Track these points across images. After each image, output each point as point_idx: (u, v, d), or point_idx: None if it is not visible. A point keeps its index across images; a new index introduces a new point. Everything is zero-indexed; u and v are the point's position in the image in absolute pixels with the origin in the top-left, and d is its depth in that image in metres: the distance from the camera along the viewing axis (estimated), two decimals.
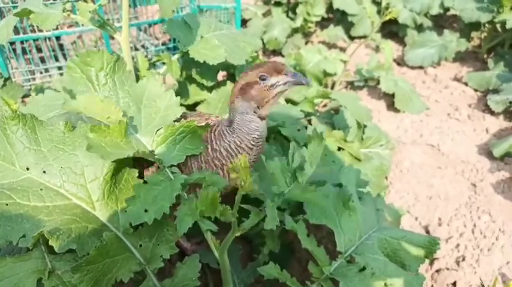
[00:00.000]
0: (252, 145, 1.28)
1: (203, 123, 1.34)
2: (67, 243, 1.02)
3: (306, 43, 4.28)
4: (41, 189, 1.12)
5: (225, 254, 1.32)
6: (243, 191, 1.00)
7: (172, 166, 1.25)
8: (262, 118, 1.28)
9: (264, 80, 1.21)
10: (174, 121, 1.36)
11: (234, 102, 1.27)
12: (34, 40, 2.66)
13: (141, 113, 1.36)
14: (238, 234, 1.21)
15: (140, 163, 1.35)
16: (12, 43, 2.75)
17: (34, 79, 2.80)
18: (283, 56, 4.03)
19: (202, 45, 2.04)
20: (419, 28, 4.06)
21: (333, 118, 2.64)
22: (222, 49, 1.99)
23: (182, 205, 1.17)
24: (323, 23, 4.47)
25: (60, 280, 1.05)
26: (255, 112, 1.26)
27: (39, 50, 2.90)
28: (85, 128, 1.21)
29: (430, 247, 1.54)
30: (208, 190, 1.03)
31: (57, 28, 2.60)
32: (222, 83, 2.38)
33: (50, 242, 1.00)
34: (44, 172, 1.16)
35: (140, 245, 1.21)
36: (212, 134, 1.31)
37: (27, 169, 1.15)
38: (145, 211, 1.11)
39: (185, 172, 1.31)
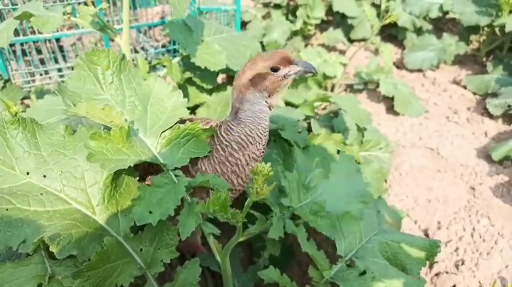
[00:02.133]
0: (261, 133, 1.29)
1: (207, 127, 1.34)
2: (67, 249, 1.01)
3: (306, 46, 4.28)
4: (41, 194, 1.12)
5: (227, 258, 1.32)
6: (256, 197, 1.00)
7: (176, 169, 1.24)
8: (270, 107, 1.29)
9: (276, 71, 1.22)
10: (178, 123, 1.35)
11: (246, 93, 1.26)
12: (34, 42, 2.65)
13: (147, 112, 1.35)
14: (242, 239, 1.21)
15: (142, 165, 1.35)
16: (12, 45, 2.74)
17: (34, 81, 2.79)
18: None
19: (203, 49, 2.04)
20: (419, 31, 4.06)
21: (333, 121, 2.64)
22: (223, 55, 1.99)
23: (185, 208, 1.17)
24: (323, 26, 4.47)
25: (61, 286, 1.05)
26: (266, 102, 1.27)
27: (39, 52, 2.89)
28: (85, 133, 1.20)
29: (431, 250, 1.54)
30: (220, 192, 1.04)
31: (57, 30, 2.60)
32: (222, 86, 2.38)
33: (51, 248, 1.00)
34: (44, 176, 1.15)
35: (141, 250, 1.20)
36: (219, 134, 1.30)
37: (27, 173, 1.14)
38: (150, 212, 1.11)
39: (192, 175, 1.31)
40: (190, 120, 1.40)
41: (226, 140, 1.28)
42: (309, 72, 1.25)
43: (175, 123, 1.32)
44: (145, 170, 1.36)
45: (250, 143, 1.27)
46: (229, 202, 1.05)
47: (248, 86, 1.25)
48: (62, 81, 2.56)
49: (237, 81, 1.28)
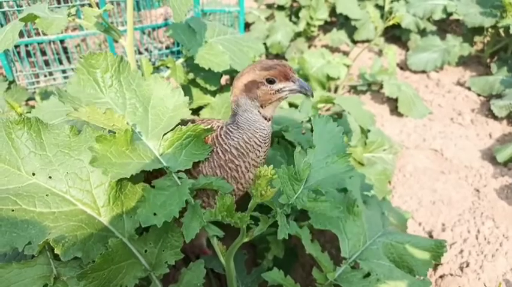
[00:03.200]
0: (260, 141, 1.27)
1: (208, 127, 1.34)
2: (72, 250, 1.01)
3: (309, 47, 4.28)
4: (46, 195, 1.11)
5: (231, 260, 1.32)
6: (260, 200, 1.00)
7: (179, 171, 1.24)
8: (266, 118, 1.27)
9: (271, 83, 1.21)
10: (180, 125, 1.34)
11: (238, 99, 1.26)
12: (38, 43, 2.66)
13: (149, 114, 1.34)
14: (246, 240, 1.20)
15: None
16: (16, 46, 2.75)
17: (38, 82, 2.80)
18: (286, 60, 4.03)
19: (207, 51, 2.04)
20: (422, 33, 4.06)
21: (336, 122, 2.63)
22: (227, 56, 1.99)
23: (189, 211, 1.17)
24: (326, 27, 4.47)
25: None
26: (259, 112, 1.25)
27: (43, 53, 2.91)
28: (91, 133, 1.20)
29: (437, 250, 1.53)
30: (225, 198, 1.04)
31: (61, 32, 2.62)
32: (226, 88, 2.39)
33: (56, 251, 0.99)
34: (50, 177, 1.15)
35: (145, 251, 1.20)
36: (219, 136, 1.29)
37: (33, 174, 1.14)
38: (154, 214, 1.10)
39: (194, 176, 1.30)
40: (192, 121, 1.39)
41: (226, 144, 1.27)
42: (303, 93, 1.23)
43: (177, 125, 1.31)
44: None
45: (250, 151, 1.26)
46: (234, 206, 1.05)
47: (242, 90, 1.24)
48: (64, 85, 2.57)
49: (235, 82, 1.27)
